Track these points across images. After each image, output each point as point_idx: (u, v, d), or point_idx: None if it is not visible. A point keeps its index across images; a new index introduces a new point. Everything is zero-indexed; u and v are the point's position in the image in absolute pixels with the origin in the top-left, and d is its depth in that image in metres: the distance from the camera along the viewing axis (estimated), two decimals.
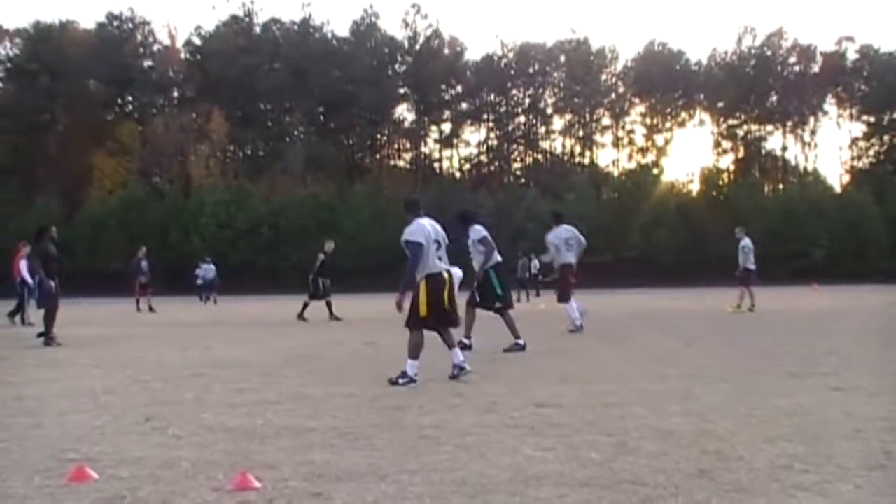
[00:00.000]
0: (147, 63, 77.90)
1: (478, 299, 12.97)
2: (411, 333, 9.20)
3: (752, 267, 23.30)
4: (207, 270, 43.73)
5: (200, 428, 6.74)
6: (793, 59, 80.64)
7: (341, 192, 65.69)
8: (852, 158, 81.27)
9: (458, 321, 9.71)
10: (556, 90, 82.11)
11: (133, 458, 5.60)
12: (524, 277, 38.31)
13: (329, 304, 22.32)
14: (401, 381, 9.00)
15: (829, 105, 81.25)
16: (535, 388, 8.77)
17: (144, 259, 31.62)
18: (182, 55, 78.74)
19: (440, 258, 9.28)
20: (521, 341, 12.82)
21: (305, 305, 22.43)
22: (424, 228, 9.23)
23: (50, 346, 14.98)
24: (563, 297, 16.29)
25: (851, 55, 79.85)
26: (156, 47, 78.46)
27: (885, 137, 79.41)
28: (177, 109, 75.63)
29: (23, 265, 21.64)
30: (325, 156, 73.61)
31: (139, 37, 77.66)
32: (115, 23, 76.78)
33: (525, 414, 7.12)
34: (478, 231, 12.54)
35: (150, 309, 30.12)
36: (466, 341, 12.38)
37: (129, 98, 78.25)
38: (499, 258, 13.06)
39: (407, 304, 9.34)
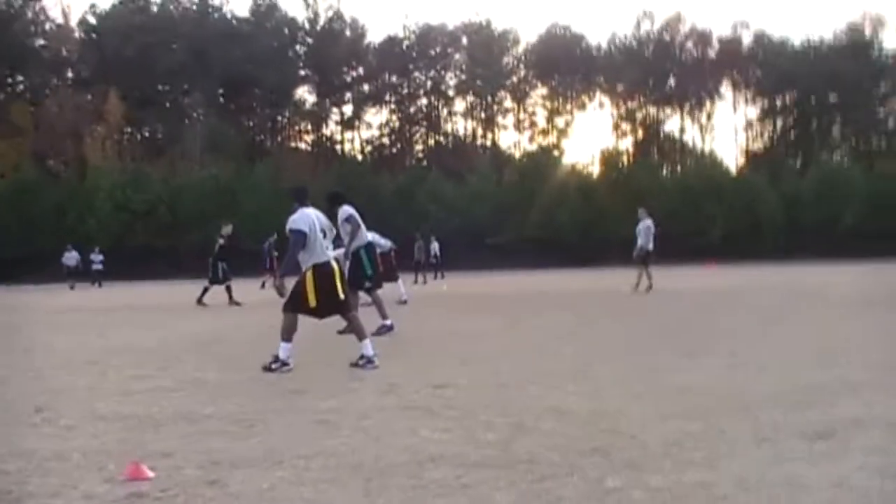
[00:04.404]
0: (39, 42, 75.54)
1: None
2: (285, 316, 9.10)
3: (651, 247, 23.64)
4: (69, 258, 43.60)
5: (93, 417, 6.61)
6: (690, 44, 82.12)
7: (241, 174, 64.78)
8: (748, 141, 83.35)
9: (350, 308, 9.60)
10: (458, 72, 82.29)
11: (21, 451, 5.46)
12: (420, 259, 38.23)
13: (229, 289, 22.05)
14: (273, 365, 8.86)
15: (726, 89, 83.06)
16: (434, 369, 8.81)
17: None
18: (76, 34, 76.60)
19: (327, 248, 9.26)
20: (388, 322, 12.79)
21: (205, 290, 22.12)
22: (309, 217, 9.19)
23: None
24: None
25: (746, 40, 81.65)
26: (48, 25, 76.12)
27: (778, 121, 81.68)
28: (71, 90, 73.52)
29: None
30: (224, 137, 72.45)
31: (30, 14, 75.30)
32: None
33: (423, 396, 7.16)
34: (345, 211, 12.49)
35: (262, 286, 30.29)
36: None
37: (21, 78, 75.93)
38: (368, 238, 13.06)
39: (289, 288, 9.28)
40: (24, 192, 60.00)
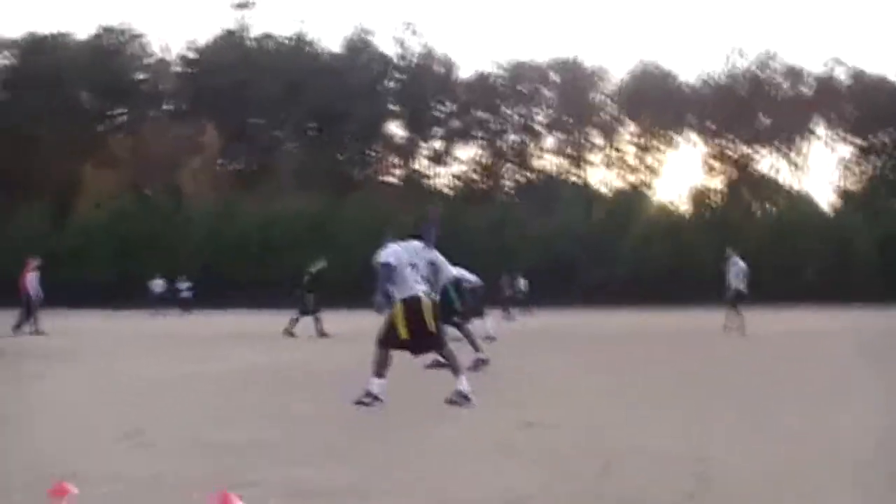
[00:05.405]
0: (140, 75, 77.85)
1: None
2: (377, 351, 8.98)
3: (743, 288, 23.11)
4: (157, 285, 44.84)
5: (186, 442, 6.67)
6: (783, 81, 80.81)
7: (332, 207, 65.46)
8: (842, 180, 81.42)
9: (443, 344, 9.28)
10: (547, 108, 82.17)
11: (114, 473, 5.52)
12: (505, 296, 37.90)
13: (317, 321, 22.17)
14: (365, 400, 8.65)
15: (820, 127, 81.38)
16: (525, 406, 8.71)
17: None
18: (175, 68, 78.68)
19: (418, 281, 9.10)
20: (482, 355, 12.68)
21: (295, 321, 22.29)
22: (396, 251, 9.17)
23: None
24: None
25: (841, 78, 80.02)
26: (149, 60, 78.38)
27: (875, 160, 79.65)
28: (169, 122, 75.41)
29: (30, 279, 23.77)
30: (316, 170, 73.44)
31: (132, 49, 77.64)
32: (109, 35, 76.73)
33: (513, 433, 7.07)
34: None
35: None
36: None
37: (122, 110, 78.09)
38: (454, 273, 12.96)
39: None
40: (120, 220, 61.58)
